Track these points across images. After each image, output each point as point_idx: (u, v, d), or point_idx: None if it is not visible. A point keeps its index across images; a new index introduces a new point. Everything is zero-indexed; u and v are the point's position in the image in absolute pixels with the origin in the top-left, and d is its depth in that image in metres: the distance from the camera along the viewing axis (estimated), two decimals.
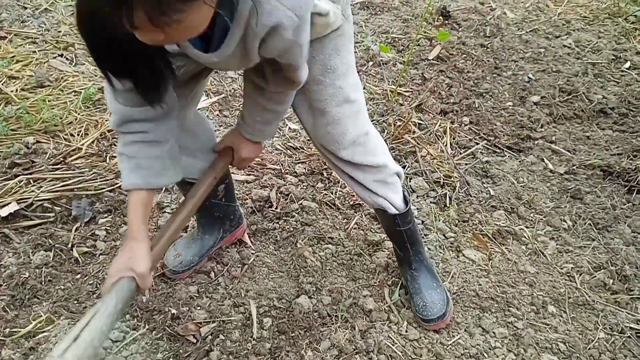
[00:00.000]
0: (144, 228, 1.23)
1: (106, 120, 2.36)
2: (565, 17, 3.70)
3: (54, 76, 2.60)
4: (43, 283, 1.65)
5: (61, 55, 2.86)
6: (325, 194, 2.13)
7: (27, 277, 1.65)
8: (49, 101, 2.40)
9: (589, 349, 1.66)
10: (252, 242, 1.90)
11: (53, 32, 3.10)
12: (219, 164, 1.50)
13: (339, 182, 2.19)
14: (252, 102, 1.38)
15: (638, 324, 1.75)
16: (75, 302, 1.62)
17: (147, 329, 1.56)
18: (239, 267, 1.79)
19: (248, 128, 1.44)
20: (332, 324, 1.63)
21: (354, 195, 2.14)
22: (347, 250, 1.90)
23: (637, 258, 2.00)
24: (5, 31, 2.96)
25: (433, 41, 3.24)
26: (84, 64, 2.81)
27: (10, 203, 1.84)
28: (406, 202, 1.62)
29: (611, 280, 1.90)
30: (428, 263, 1.76)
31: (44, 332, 1.50)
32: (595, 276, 1.91)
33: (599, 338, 1.69)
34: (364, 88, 2.76)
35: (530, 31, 3.48)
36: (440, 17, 3.51)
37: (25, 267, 1.70)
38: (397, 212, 1.59)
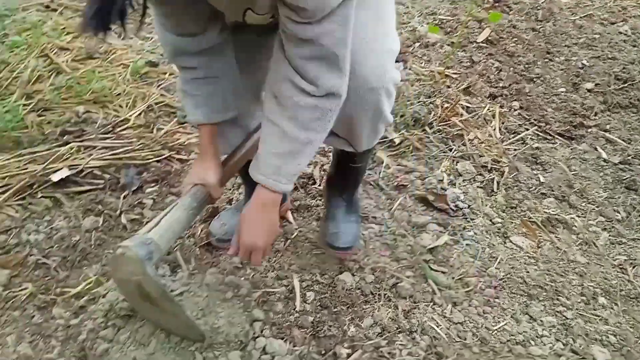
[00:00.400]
0: (212, 147, 1.39)
1: (153, 94, 2.39)
2: (621, 4, 3.55)
3: (103, 48, 2.64)
4: (92, 247, 1.69)
5: (110, 29, 2.89)
6: (369, 174, 2.10)
7: (77, 240, 1.69)
8: (98, 72, 2.44)
9: None
10: (294, 217, 1.89)
11: None
12: None
13: (383, 163, 2.16)
14: (270, 127, 1.20)
15: None
16: None
17: None
18: (282, 241, 1.79)
19: (260, 165, 1.23)
20: (375, 302, 1.61)
21: (398, 176, 2.10)
22: (390, 231, 1.88)
23: None
24: (57, 3, 3.02)
25: (482, 24, 3.15)
26: (132, 37, 2.85)
27: (62, 169, 1.88)
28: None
29: None
30: (357, 200, 1.77)
31: (93, 293, 1.53)
32: None
33: None
34: (409, 69, 2.71)
35: (584, 16, 3.35)
36: (490, 0, 3.41)
37: (75, 230, 1.73)
38: (358, 151, 1.49)
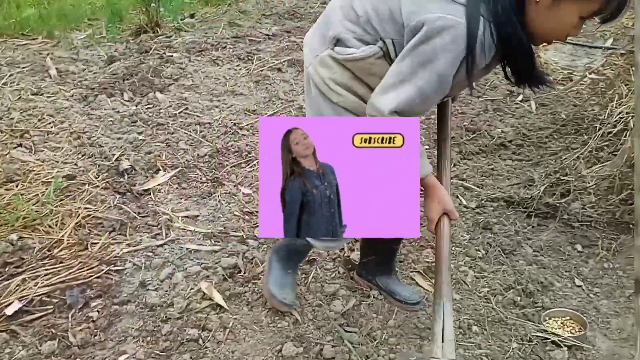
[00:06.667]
0: (434, 179, 1.72)
1: (78, 208, 2.62)
2: None
3: (20, 169, 2.81)
4: None
5: (20, 145, 3.06)
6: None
7: None
8: (21, 196, 2.62)
9: (507, 358, 2.13)
10: (227, 306, 2.23)
11: (6, 120, 3.29)
12: None
13: None
14: None
15: (541, 333, 2.23)
16: None
17: None
18: (221, 332, 2.13)
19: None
20: None
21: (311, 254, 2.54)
22: (308, 303, 2.29)
23: (538, 275, 2.51)
24: None
25: None
26: (43, 150, 3.04)
27: (13, 302, 2.09)
28: None
29: (519, 298, 2.39)
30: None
31: None
32: (507, 296, 2.40)
33: (513, 348, 2.16)
34: None
35: None
36: None
37: (37, 358, 1.96)
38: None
